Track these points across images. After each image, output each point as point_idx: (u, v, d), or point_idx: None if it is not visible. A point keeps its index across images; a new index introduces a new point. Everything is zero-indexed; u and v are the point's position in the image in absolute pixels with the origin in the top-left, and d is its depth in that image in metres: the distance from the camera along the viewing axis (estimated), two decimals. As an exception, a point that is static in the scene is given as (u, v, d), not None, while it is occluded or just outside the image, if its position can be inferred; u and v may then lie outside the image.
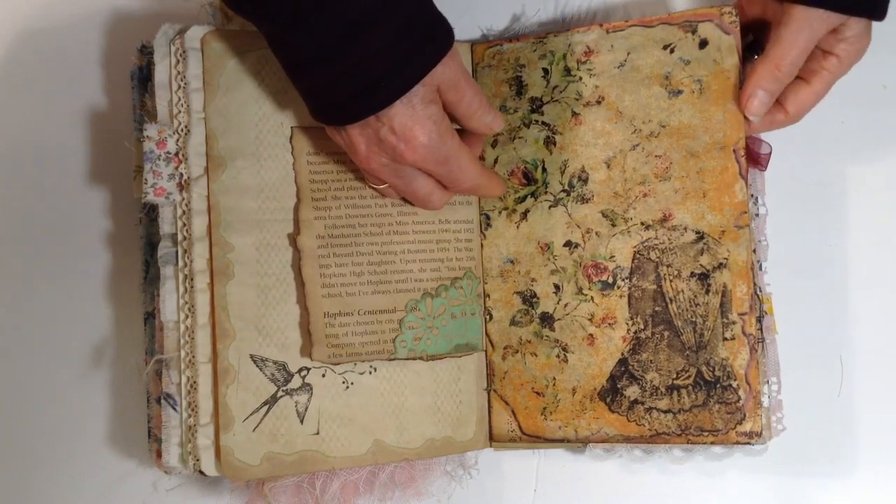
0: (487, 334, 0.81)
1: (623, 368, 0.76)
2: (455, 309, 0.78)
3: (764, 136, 0.78)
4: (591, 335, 0.77)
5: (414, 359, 0.77)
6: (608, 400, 0.76)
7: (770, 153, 0.77)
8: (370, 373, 0.76)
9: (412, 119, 0.68)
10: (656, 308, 0.76)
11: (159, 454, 0.74)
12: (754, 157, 0.77)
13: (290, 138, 0.76)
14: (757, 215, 0.78)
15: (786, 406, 0.76)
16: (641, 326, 0.76)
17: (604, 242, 0.77)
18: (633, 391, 0.76)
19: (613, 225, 0.77)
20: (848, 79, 0.80)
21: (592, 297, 0.77)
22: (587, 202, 0.78)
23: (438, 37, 0.67)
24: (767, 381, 0.76)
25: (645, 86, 0.77)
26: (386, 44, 0.65)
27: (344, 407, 0.76)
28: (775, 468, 0.80)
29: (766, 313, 0.77)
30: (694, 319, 0.75)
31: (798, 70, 0.73)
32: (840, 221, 0.81)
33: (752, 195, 0.77)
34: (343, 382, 0.76)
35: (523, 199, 0.80)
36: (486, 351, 0.81)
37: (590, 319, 0.77)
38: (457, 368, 0.79)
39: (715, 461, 0.79)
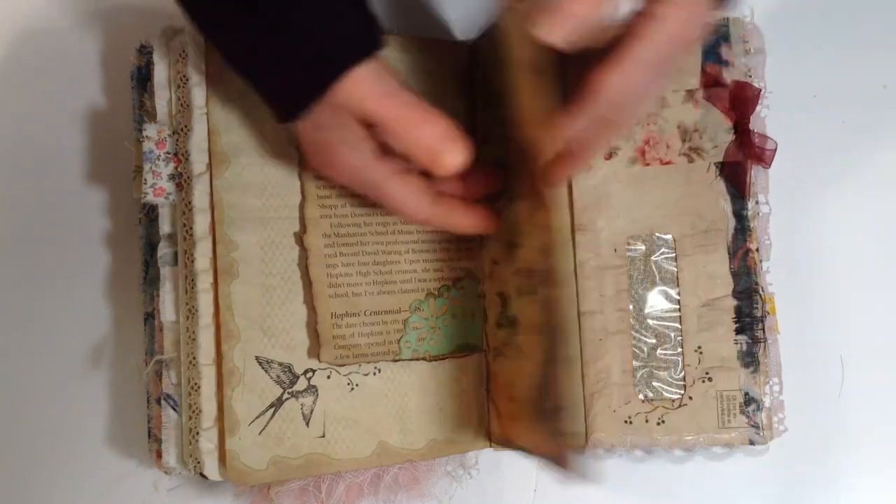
0: (485, 335, 0.81)
1: (541, 379, 0.72)
2: (456, 309, 0.79)
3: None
4: (526, 341, 0.76)
5: (418, 359, 0.77)
6: (532, 412, 0.73)
7: (775, 149, 0.77)
8: (374, 374, 0.76)
9: (321, 141, 0.66)
10: (543, 315, 0.71)
11: (159, 454, 0.74)
12: (758, 154, 0.77)
13: (296, 136, 0.76)
14: (759, 214, 0.78)
15: (786, 406, 0.77)
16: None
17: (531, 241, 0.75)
18: (546, 405, 0.71)
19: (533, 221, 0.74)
20: (848, 79, 0.80)
21: (529, 300, 0.75)
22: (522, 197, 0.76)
23: (340, 55, 0.63)
24: (769, 382, 0.76)
25: None
26: (288, 55, 0.63)
27: (349, 409, 0.75)
28: (776, 469, 0.80)
29: (768, 313, 0.77)
30: None
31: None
32: (840, 221, 0.81)
33: (754, 193, 0.78)
34: (348, 384, 0.75)
35: (498, 197, 0.79)
36: (484, 351, 0.80)
37: (527, 324, 0.76)
38: (458, 369, 0.79)
39: (716, 461, 0.80)
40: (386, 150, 0.66)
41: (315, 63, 0.62)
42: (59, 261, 0.83)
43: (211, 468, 0.72)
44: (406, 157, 0.65)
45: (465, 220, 0.72)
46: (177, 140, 0.74)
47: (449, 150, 0.63)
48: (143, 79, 0.78)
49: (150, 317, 0.78)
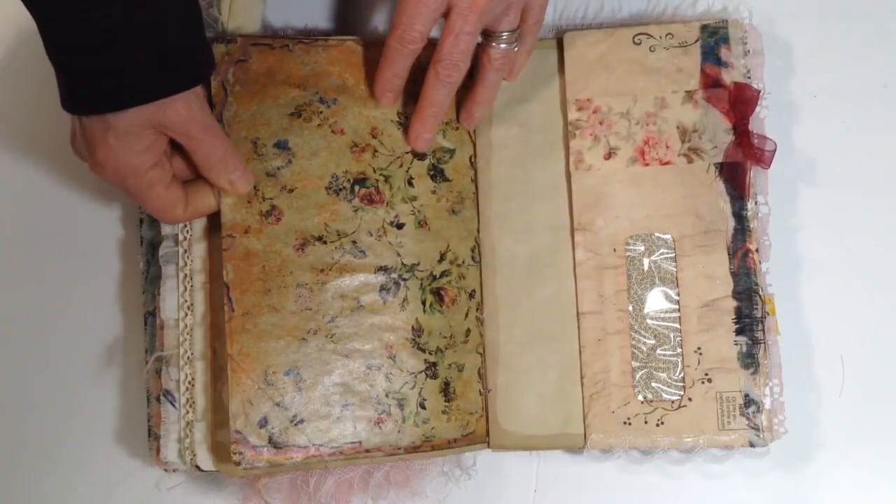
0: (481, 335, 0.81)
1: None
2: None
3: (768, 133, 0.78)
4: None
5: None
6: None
7: (774, 150, 0.77)
8: None
9: (102, 136, 0.66)
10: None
11: (159, 451, 0.74)
12: (758, 155, 0.77)
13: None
14: (759, 214, 0.78)
15: (787, 407, 0.76)
16: None
17: None
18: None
19: None
20: (848, 79, 0.80)
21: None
22: None
23: (158, 79, 0.65)
24: (769, 383, 0.76)
25: None
26: (107, 62, 0.63)
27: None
28: (776, 469, 0.79)
29: (768, 314, 0.76)
30: None
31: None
32: (840, 221, 0.81)
33: (754, 194, 0.77)
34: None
35: None
36: (482, 353, 0.80)
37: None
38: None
39: (715, 463, 0.79)
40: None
41: (151, 73, 0.64)
42: (58, 261, 0.83)
43: (203, 458, 0.73)
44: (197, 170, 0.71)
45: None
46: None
47: (244, 182, 0.72)
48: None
49: (151, 315, 0.78)
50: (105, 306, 0.83)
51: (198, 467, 0.73)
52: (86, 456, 0.82)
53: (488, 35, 0.74)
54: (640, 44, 0.80)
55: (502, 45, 0.75)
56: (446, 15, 0.72)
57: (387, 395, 0.75)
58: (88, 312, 0.83)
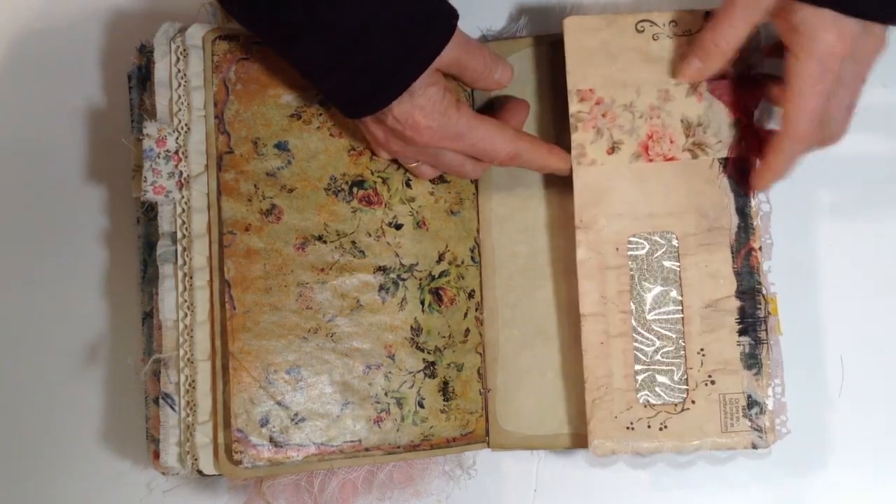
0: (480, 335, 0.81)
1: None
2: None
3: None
4: None
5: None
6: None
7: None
8: None
9: (411, 106, 0.69)
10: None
11: (156, 455, 0.74)
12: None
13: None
14: (761, 212, 0.76)
15: (788, 407, 0.76)
16: None
17: None
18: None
19: None
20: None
21: None
22: None
23: (436, 27, 0.68)
24: (771, 384, 0.75)
25: None
26: (384, 48, 0.66)
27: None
28: (777, 470, 0.79)
29: (770, 314, 0.75)
30: None
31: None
32: (840, 222, 0.80)
33: (754, 194, 0.76)
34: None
35: None
36: (482, 353, 0.80)
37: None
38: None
39: (716, 465, 0.79)
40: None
41: (424, 33, 0.68)
42: (56, 259, 0.84)
43: (206, 462, 0.72)
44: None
45: (552, 157, 0.76)
46: (177, 138, 0.74)
47: (506, 70, 0.75)
48: (142, 78, 0.79)
49: (149, 316, 0.78)
50: (101, 305, 0.83)
51: (200, 472, 0.72)
52: (80, 456, 0.82)
53: None
54: (642, 32, 0.78)
55: None
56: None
57: (386, 394, 0.75)
58: (84, 312, 0.83)
